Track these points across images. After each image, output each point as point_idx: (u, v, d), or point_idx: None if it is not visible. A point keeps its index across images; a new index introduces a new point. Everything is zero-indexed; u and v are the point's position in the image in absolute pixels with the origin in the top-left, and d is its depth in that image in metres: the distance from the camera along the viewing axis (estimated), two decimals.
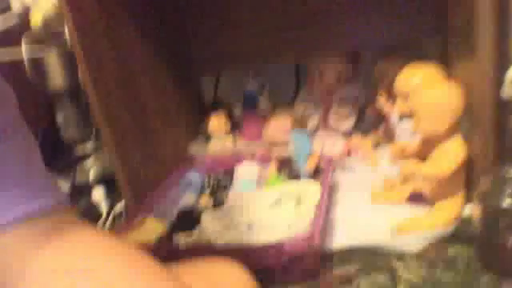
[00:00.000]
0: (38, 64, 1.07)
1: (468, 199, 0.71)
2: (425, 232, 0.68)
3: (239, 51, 1.21)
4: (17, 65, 1.07)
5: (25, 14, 1.00)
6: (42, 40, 1.04)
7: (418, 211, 0.74)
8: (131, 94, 0.93)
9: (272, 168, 0.92)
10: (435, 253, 0.65)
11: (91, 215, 1.02)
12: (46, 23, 0.93)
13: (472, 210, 0.63)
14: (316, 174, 0.87)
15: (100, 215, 0.98)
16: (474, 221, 0.61)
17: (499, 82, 0.62)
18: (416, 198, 0.77)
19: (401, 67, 0.87)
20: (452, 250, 0.65)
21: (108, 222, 0.95)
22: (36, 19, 0.94)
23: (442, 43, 1.01)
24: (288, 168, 0.89)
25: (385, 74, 1.06)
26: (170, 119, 1.10)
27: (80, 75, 0.81)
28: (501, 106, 0.64)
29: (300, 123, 0.89)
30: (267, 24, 1.17)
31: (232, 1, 1.16)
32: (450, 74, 0.82)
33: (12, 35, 1.04)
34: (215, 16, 1.19)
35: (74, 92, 1.05)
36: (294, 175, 0.88)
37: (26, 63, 1.07)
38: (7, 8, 1.03)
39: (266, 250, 0.62)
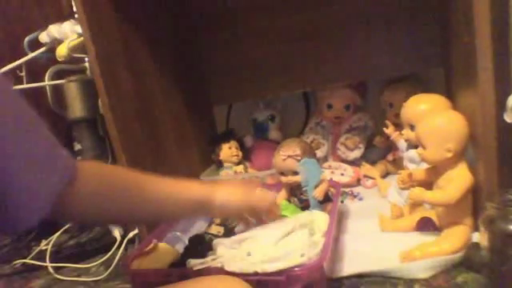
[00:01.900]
0: (59, 92, 1.12)
1: (476, 226, 0.71)
2: (433, 259, 0.68)
3: (250, 82, 1.26)
4: (40, 92, 1.12)
5: (52, 45, 1.06)
6: (65, 70, 1.10)
7: (426, 238, 0.75)
8: (149, 122, 0.97)
9: (282, 196, 0.94)
10: (444, 280, 0.66)
11: (105, 240, 1.04)
12: (70, 53, 0.99)
13: (480, 237, 0.63)
14: (325, 201, 0.88)
15: (114, 241, 1.00)
16: (482, 247, 0.62)
17: (501, 108, 0.64)
18: (424, 225, 0.77)
19: (407, 97, 0.90)
20: (461, 277, 0.65)
21: (121, 248, 0.97)
22: (62, 51, 0.99)
23: (445, 74, 1.04)
24: (297, 196, 0.91)
25: (391, 103, 1.09)
26: (185, 148, 1.13)
27: (100, 104, 0.85)
28: (504, 130, 0.65)
29: (309, 152, 0.91)
30: (277, 57, 1.21)
31: (244, 36, 1.21)
32: (454, 104, 0.84)
33: (38, 65, 1.10)
34: (228, 49, 1.24)
35: (92, 121, 1.09)
36: (304, 203, 0.89)
37: (48, 92, 1.13)
38: (35, 39, 1.09)
39: (277, 277, 0.63)
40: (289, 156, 0.88)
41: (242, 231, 0.82)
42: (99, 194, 0.53)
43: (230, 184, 0.71)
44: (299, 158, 0.87)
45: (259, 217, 0.76)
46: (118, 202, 0.56)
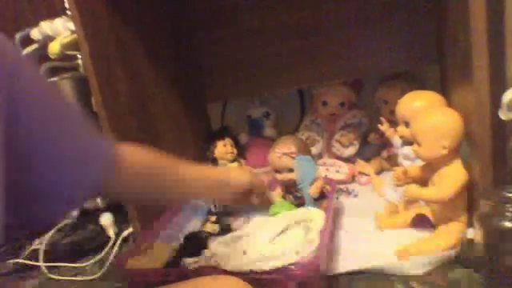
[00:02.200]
0: None
1: (470, 223, 0.72)
2: (428, 256, 0.68)
3: (245, 79, 1.25)
4: None
5: (44, 42, 1.04)
6: (57, 67, 1.08)
7: (422, 235, 0.75)
8: (143, 120, 0.97)
9: (277, 193, 0.93)
10: (439, 276, 0.66)
11: (99, 239, 1.04)
12: (63, 50, 0.98)
13: (474, 233, 0.64)
14: (320, 198, 0.88)
15: (108, 240, 0.99)
16: (477, 244, 0.62)
17: (496, 105, 0.64)
18: (419, 221, 0.78)
19: (401, 94, 0.90)
20: (455, 274, 0.66)
21: (116, 246, 0.96)
22: (54, 48, 0.98)
23: (441, 71, 1.04)
24: (293, 193, 0.91)
25: (386, 100, 1.09)
26: (179, 146, 1.13)
27: (93, 102, 0.85)
28: (499, 127, 0.66)
29: (305, 149, 0.91)
30: (272, 54, 1.21)
31: (238, 34, 1.21)
32: (449, 101, 0.85)
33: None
34: (222, 47, 1.23)
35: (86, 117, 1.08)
36: (299, 200, 0.89)
37: None
38: (27, 36, 1.08)
39: (273, 275, 0.63)
40: (284, 153, 0.88)
41: (238, 228, 0.82)
42: (138, 177, 0.57)
43: (239, 168, 0.86)
44: (294, 155, 0.87)
45: (262, 195, 0.85)
46: (155, 185, 0.61)
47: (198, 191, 0.72)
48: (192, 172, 0.70)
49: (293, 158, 0.87)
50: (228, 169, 0.80)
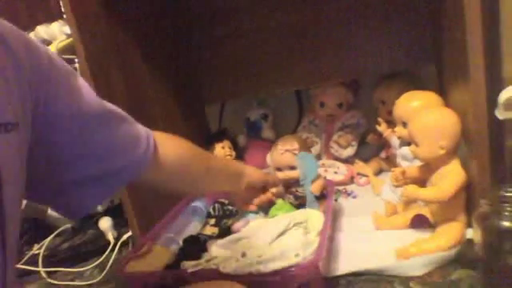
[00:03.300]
0: None
1: (469, 222, 0.72)
2: (428, 256, 0.68)
3: (243, 80, 1.25)
4: None
5: None
6: None
7: (421, 235, 0.75)
8: (140, 122, 0.95)
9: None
10: (439, 276, 0.66)
11: (99, 243, 1.04)
12: (59, 54, 0.98)
13: (473, 233, 0.64)
14: (321, 198, 0.88)
15: (108, 244, 0.99)
16: (476, 244, 0.62)
17: (493, 105, 0.64)
18: (418, 222, 0.78)
19: (399, 94, 0.90)
20: (455, 274, 0.66)
21: (115, 251, 0.96)
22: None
23: (437, 71, 1.04)
24: (293, 193, 0.91)
25: (383, 101, 1.10)
26: None
27: None
28: (496, 127, 0.66)
29: (306, 148, 0.91)
30: (269, 55, 1.21)
31: (236, 35, 1.21)
32: (446, 100, 0.85)
33: None
34: (220, 48, 1.24)
35: None
36: (300, 200, 0.89)
37: None
38: None
39: (273, 277, 0.63)
40: (286, 150, 0.88)
41: (237, 231, 0.82)
42: (171, 166, 0.58)
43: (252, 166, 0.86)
44: (297, 152, 0.87)
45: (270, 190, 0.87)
46: (186, 174, 0.63)
47: (222, 182, 0.74)
48: (218, 163, 0.74)
49: (295, 154, 0.87)
50: (244, 165, 0.83)
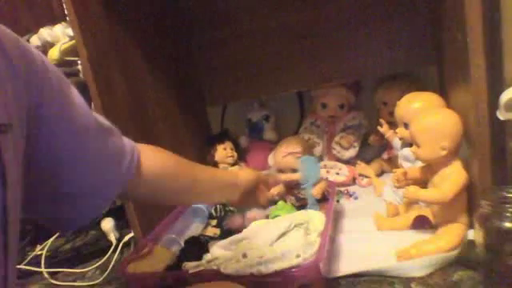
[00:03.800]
0: None
1: (471, 224, 0.72)
2: (429, 257, 0.68)
3: (244, 82, 1.25)
4: None
5: (43, 49, 1.05)
6: None
7: (422, 236, 0.75)
8: (142, 124, 0.97)
9: (277, 189, 0.93)
10: (440, 278, 0.66)
11: (101, 244, 1.04)
12: (62, 56, 0.98)
13: (475, 234, 0.63)
14: (322, 200, 0.88)
15: (109, 245, 0.99)
16: (477, 245, 0.62)
17: (494, 106, 0.64)
18: (419, 223, 0.78)
19: (400, 95, 0.90)
20: (456, 275, 0.66)
21: (117, 251, 0.96)
22: (54, 54, 0.99)
23: (439, 72, 1.04)
24: (295, 194, 0.91)
25: (385, 102, 1.10)
26: (179, 150, 1.12)
27: (92, 107, 0.85)
28: (497, 128, 0.66)
29: (309, 150, 0.91)
30: (271, 56, 1.21)
31: (237, 36, 1.21)
32: (447, 101, 0.85)
33: None
34: (222, 50, 1.24)
35: None
36: (301, 201, 0.90)
37: None
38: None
39: (274, 278, 0.63)
40: (289, 153, 0.88)
41: (238, 232, 0.82)
42: (157, 178, 0.58)
43: (245, 169, 0.89)
44: (299, 155, 0.87)
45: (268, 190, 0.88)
46: (172, 186, 0.63)
47: (211, 193, 0.74)
48: (206, 174, 0.73)
49: (298, 157, 0.87)
50: (235, 171, 0.85)
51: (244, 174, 0.81)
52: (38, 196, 0.46)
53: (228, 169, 1.19)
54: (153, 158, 0.59)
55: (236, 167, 1.20)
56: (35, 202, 0.46)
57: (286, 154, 0.88)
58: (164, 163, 0.62)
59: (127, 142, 0.55)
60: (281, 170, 0.91)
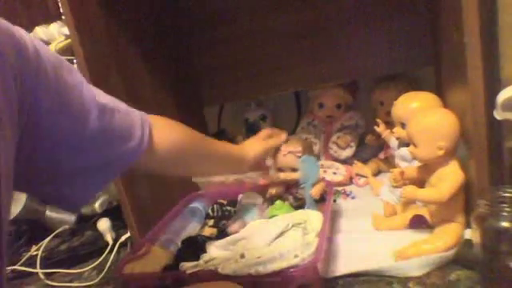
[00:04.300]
0: None
1: (468, 223, 0.72)
2: (426, 257, 0.68)
3: (241, 82, 1.25)
4: None
5: None
6: None
7: (419, 236, 0.75)
8: None
9: (276, 189, 0.94)
10: (437, 277, 0.66)
11: (97, 244, 1.03)
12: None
13: (472, 234, 0.64)
14: (321, 201, 0.88)
15: (106, 245, 0.99)
16: (475, 244, 0.62)
17: (491, 106, 0.64)
18: (417, 223, 0.78)
19: (397, 95, 0.90)
20: (454, 274, 0.66)
21: (114, 252, 0.96)
22: None
23: (436, 72, 1.05)
24: (293, 194, 0.91)
25: (382, 102, 1.10)
26: None
27: None
28: (494, 127, 0.66)
29: (309, 150, 0.91)
30: (268, 56, 1.21)
31: (234, 36, 1.21)
32: (444, 101, 0.85)
33: None
34: (219, 50, 1.24)
35: None
36: (299, 201, 0.89)
37: None
38: None
39: (272, 278, 0.63)
40: (290, 152, 0.88)
41: (234, 232, 0.82)
42: (170, 152, 0.59)
43: (251, 141, 0.87)
44: (300, 154, 0.88)
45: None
46: (185, 158, 0.64)
47: (221, 167, 0.76)
48: (219, 149, 0.74)
49: (298, 157, 0.87)
50: (244, 145, 0.84)
51: (252, 149, 0.81)
52: (40, 177, 0.45)
53: None
54: (165, 131, 0.60)
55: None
56: (46, 185, 0.46)
57: (286, 153, 0.89)
58: (177, 136, 0.63)
59: (137, 116, 0.55)
60: (281, 169, 0.91)
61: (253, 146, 0.83)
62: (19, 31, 0.41)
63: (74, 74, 0.47)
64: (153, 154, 0.56)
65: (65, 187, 0.48)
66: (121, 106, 0.54)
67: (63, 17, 0.80)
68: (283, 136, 0.89)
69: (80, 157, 0.47)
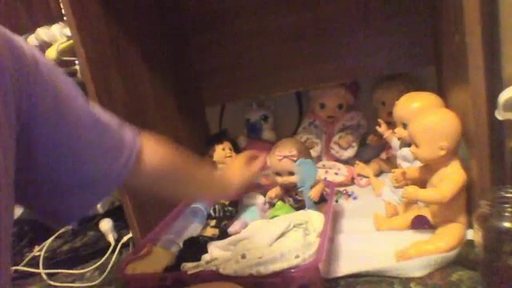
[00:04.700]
0: None
1: (469, 224, 0.72)
2: (428, 257, 0.68)
3: (243, 82, 1.25)
4: None
5: (41, 49, 1.04)
6: None
7: (421, 236, 0.75)
8: (140, 124, 0.95)
9: (275, 191, 0.93)
10: (439, 278, 0.66)
11: (99, 245, 1.04)
12: (60, 56, 0.98)
13: (474, 234, 0.64)
14: (320, 201, 0.88)
15: (108, 245, 0.99)
16: (477, 244, 0.62)
17: (493, 106, 0.64)
18: (419, 223, 0.78)
19: (399, 95, 0.90)
20: (456, 275, 0.66)
21: (116, 252, 0.96)
22: (51, 54, 0.98)
23: (437, 72, 1.05)
24: (293, 196, 0.91)
25: (384, 102, 1.10)
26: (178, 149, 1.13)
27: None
28: (496, 128, 0.66)
29: (305, 152, 0.91)
30: (269, 56, 1.21)
31: (236, 36, 1.21)
32: (446, 102, 0.85)
33: None
34: (220, 50, 1.24)
35: None
36: (299, 203, 0.89)
37: None
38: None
39: (273, 279, 0.63)
40: (285, 156, 0.88)
41: (234, 233, 0.82)
42: (157, 173, 0.59)
43: (232, 167, 0.84)
44: (295, 158, 0.87)
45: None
46: (171, 180, 0.63)
47: (207, 191, 0.74)
48: (204, 174, 0.73)
49: (294, 161, 0.87)
50: (228, 170, 0.82)
51: (238, 174, 0.79)
52: (35, 189, 0.45)
53: None
54: (154, 152, 0.59)
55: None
56: (32, 195, 0.46)
57: (281, 158, 0.88)
58: (163, 157, 0.62)
59: (128, 135, 0.54)
60: (278, 173, 0.90)
61: (238, 172, 0.81)
62: (18, 39, 0.41)
63: (71, 86, 0.47)
64: (140, 174, 0.55)
65: (52, 202, 0.47)
66: (113, 123, 0.52)
67: (65, 18, 0.80)
68: (263, 158, 0.86)
69: (72, 170, 0.46)
